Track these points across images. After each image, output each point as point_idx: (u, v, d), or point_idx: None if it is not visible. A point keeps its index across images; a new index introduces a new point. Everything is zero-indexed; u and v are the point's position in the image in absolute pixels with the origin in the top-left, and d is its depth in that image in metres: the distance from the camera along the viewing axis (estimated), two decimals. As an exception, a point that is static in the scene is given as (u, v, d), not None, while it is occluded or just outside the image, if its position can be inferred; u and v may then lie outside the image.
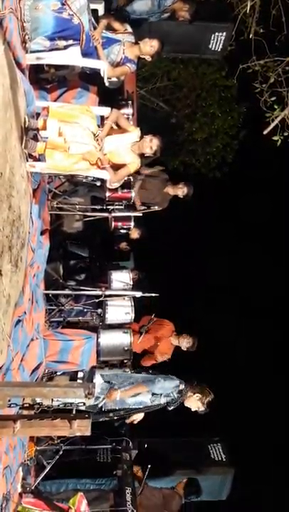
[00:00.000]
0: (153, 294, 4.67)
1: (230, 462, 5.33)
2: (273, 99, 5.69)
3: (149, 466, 4.37)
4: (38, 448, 3.97)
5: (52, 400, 2.50)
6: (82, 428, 2.19)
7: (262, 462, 7.03)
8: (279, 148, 5.67)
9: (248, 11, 5.74)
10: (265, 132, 5.55)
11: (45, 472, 4.01)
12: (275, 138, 5.56)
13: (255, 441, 7.26)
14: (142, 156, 3.87)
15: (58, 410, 2.36)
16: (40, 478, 3.96)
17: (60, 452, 4.07)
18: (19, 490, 3.46)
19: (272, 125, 5.50)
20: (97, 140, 3.40)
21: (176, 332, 4.84)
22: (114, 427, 4.77)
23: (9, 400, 2.26)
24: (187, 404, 4.22)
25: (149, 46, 3.89)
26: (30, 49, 3.33)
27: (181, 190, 4.94)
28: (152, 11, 4.72)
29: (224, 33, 5.25)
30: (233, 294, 8.67)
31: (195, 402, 4.19)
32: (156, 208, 4.95)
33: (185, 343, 4.73)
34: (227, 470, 5.34)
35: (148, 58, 3.97)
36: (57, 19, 3.29)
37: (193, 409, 4.22)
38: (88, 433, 2.23)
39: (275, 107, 5.62)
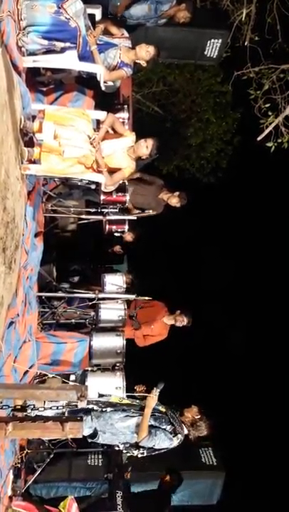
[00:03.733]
0: (146, 298, 4.70)
1: (221, 466, 5.33)
2: (267, 105, 5.76)
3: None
4: (28, 451, 3.96)
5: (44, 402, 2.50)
6: (74, 430, 2.19)
7: (253, 466, 7.06)
8: (273, 154, 5.75)
9: (243, 19, 5.82)
10: (259, 138, 5.62)
11: (36, 475, 4.00)
12: (269, 144, 5.63)
13: (246, 446, 7.28)
14: (138, 159, 3.89)
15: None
16: (30, 482, 3.95)
17: (51, 455, 4.06)
18: (9, 493, 3.45)
19: (266, 131, 5.57)
20: (93, 144, 3.42)
21: (169, 311, 4.87)
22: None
23: (1, 402, 2.26)
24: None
25: (145, 51, 3.91)
26: (27, 47, 3.35)
27: (174, 203, 4.98)
28: (149, 16, 4.75)
29: (220, 40, 5.29)
30: (229, 298, 8.71)
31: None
32: (150, 211, 4.97)
33: (179, 322, 4.76)
34: (218, 474, 5.33)
35: (143, 63, 3.99)
36: (53, 19, 3.31)
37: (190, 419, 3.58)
38: (80, 436, 2.23)
39: (269, 113, 5.70)
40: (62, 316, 4.52)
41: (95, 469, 4.57)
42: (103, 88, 3.91)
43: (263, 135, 5.60)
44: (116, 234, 4.89)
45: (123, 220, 4.74)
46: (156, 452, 3.56)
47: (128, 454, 3.66)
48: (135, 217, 4.78)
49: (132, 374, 4.24)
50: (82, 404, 2.31)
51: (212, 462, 5.29)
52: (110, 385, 3.98)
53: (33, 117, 3.41)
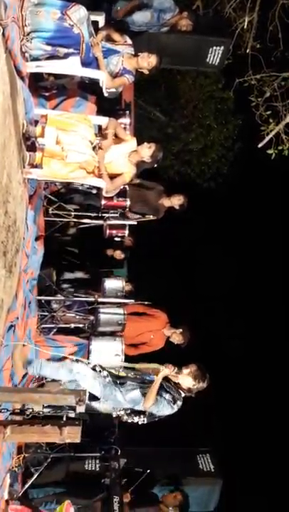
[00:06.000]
0: (146, 302, 4.71)
1: (219, 473, 5.30)
2: (268, 113, 5.80)
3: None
4: (26, 455, 3.95)
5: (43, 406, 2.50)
6: (72, 435, 2.20)
7: (251, 473, 7.04)
8: (273, 161, 5.78)
9: (245, 27, 5.87)
10: (260, 145, 5.66)
11: (33, 479, 3.98)
12: (270, 151, 5.66)
13: (244, 452, 7.26)
14: (140, 163, 3.90)
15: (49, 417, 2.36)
16: (27, 486, 3.93)
17: (49, 459, 4.05)
18: (6, 497, 3.43)
19: (267, 138, 5.61)
20: (95, 149, 3.44)
21: (170, 323, 4.83)
22: (104, 435, 4.75)
23: (0, 406, 2.27)
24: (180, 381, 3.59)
25: (147, 61, 3.92)
26: (31, 53, 3.38)
27: (177, 201, 4.97)
28: (151, 24, 4.78)
29: (222, 47, 5.31)
30: (229, 302, 8.71)
31: (187, 379, 3.53)
32: (150, 216, 4.98)
33: (176, 340, 4.71)
34: (215, 481, 5.30)
35: (145, 72, 4.02)
36: (57, 25, 3.34)
37: (186, 386, 3.55)
38: (78, 440, 2.23)
39: (270, 120, 5.74)
40: (62, 320, 4.52)
41: (92, 474, 4.55)
42: (106, 94, 3.94)
43: (263, 142, 5.64)
44: (116, 238, 4.91)
45: (123, 225, 4.76)
46: (156, 419, 3.57)
47: (129, 421, 3.60)
48: (136, 222, 4.79)
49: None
50: (80, 409, 2.31)
51: (210, 469, 5.26)
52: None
53: (36, 122, 3.44)
